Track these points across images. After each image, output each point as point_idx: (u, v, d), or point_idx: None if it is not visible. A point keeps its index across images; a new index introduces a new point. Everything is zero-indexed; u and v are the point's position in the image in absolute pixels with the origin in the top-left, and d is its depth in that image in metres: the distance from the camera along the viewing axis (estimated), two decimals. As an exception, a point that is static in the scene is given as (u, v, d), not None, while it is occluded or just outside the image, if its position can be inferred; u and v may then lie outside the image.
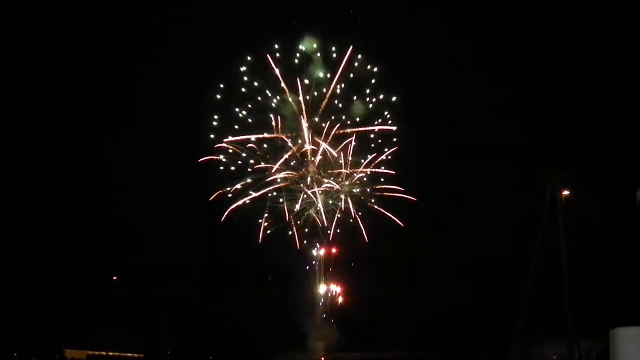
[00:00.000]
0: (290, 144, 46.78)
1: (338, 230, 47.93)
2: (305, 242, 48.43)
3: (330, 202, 47.83)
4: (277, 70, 45.42)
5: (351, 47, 45.14)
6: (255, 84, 46.01)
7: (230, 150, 46.92)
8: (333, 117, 46.63)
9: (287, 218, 47.26)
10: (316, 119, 46.45)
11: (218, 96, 46.26)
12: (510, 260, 39.49)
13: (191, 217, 52.22)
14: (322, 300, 50.16)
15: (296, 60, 45.59)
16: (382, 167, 47.29)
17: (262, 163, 47.06)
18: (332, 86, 45.82)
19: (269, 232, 47.09)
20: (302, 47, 45.48)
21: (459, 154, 49.17)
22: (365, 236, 47.18)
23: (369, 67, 45.70)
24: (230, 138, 46.57)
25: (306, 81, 45.78)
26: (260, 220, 46.91)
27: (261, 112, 46.49)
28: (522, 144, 46.82)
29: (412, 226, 48.06)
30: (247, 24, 47.82)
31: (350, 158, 47.06)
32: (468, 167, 48.70)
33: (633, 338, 10.91)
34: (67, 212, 53.34)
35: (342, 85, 46.10)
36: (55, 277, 51.59)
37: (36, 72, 52.87)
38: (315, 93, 46.09)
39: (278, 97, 46.15)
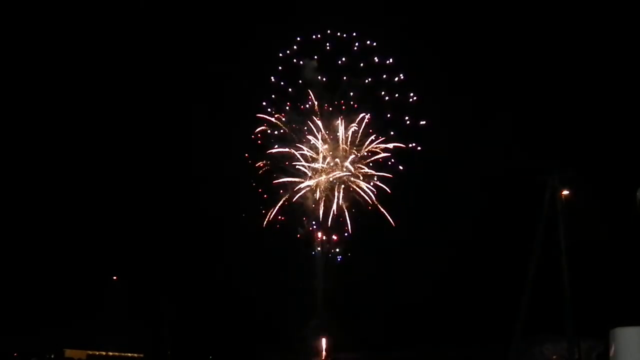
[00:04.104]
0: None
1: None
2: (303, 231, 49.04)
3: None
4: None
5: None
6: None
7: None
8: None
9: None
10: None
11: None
12: (510, 260, 39.48)
13: (191, 218, 52.29)
14: (322, 299, 50.16)
15: None
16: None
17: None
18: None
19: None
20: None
21: (459, 153, 49.18)
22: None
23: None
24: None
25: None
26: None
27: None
28: (522, 144, 46.81)
29: (411, 224, 48.17)
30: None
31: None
32: (468, 167, 48.68)
33: (633, 338, 10.92)
34: (66, 210, 53.42)
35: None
36: (55, 277, 51.58)
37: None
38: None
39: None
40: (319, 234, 49.08)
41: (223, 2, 54.48)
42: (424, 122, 48.04)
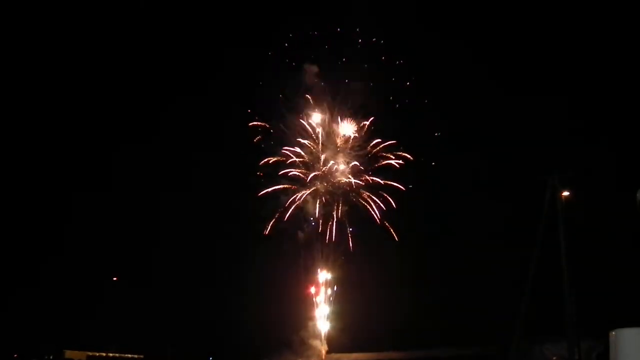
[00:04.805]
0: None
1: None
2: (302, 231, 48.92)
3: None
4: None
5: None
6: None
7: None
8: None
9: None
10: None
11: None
12: (510, 260, 39.48)
13: (191, 218, 52.35)
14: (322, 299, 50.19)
15: None
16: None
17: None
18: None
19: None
20: None
21: (460, 154, 49.19)
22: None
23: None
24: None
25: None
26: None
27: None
28: (522, 145, 46.88)
29: (411, 225, 48.15)
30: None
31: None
32: (469, 168, 48.70)
33: (633, 339, 10.91)
34: (66, 210, 53.49)
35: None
36: (56, 277, 51.64)
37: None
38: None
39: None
40: (319, 234, 49.11)
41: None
42: (438, 134, 47.53)
